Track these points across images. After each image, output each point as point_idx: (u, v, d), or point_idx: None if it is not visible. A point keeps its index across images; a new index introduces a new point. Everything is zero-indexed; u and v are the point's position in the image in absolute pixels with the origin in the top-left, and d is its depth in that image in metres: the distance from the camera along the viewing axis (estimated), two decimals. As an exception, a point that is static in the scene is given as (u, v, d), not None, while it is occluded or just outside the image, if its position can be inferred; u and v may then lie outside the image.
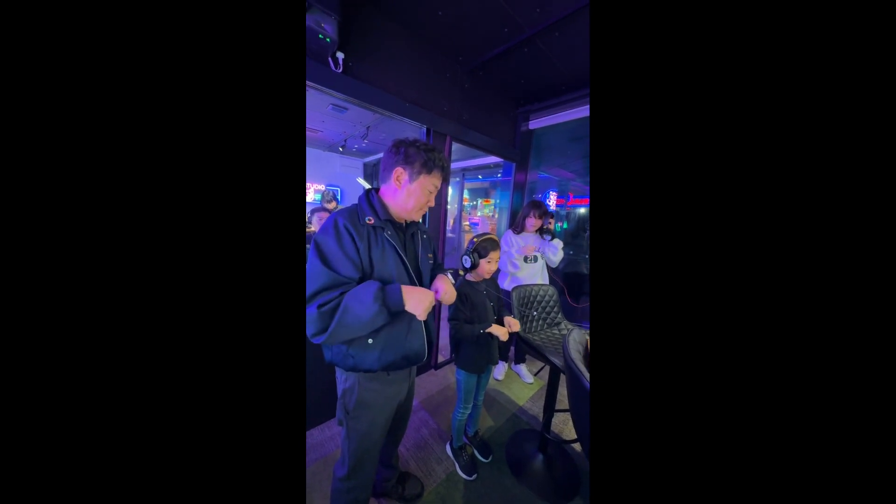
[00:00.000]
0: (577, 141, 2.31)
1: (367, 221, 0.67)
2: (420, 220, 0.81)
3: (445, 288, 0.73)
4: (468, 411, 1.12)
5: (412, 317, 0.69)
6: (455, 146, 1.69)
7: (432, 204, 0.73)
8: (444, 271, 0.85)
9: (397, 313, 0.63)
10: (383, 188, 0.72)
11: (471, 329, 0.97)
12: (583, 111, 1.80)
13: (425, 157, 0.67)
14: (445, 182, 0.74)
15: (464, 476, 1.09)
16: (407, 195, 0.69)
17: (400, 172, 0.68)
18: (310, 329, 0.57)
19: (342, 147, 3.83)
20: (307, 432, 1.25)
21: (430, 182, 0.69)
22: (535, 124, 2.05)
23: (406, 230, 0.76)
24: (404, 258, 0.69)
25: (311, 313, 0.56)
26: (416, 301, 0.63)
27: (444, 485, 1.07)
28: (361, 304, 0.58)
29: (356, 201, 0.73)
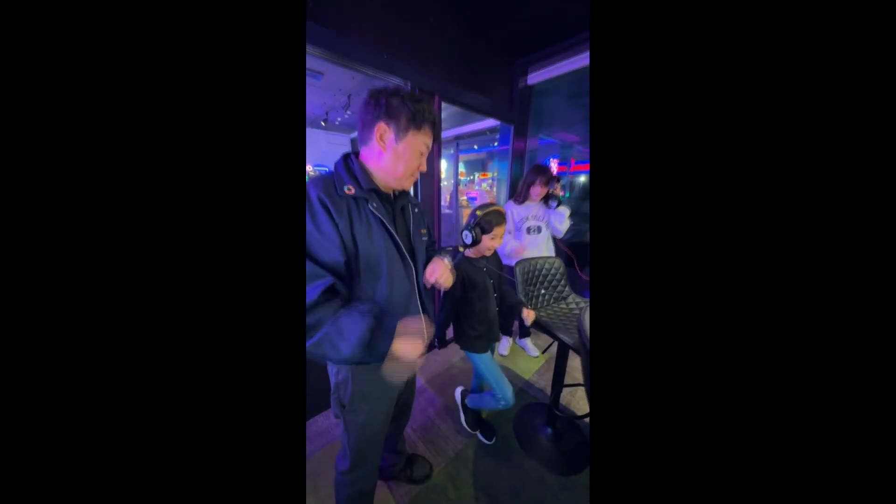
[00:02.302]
0: (580, 97, 2.09)
1: (347, 191, 0.54)
2: (410, 191, 0.70)
3: (441, 272, 0.65)
4: (507, 395, 0.92)
5: (408, 301, 0.61)
6: (446, 113, 1.51)
7: (423, 168, 0.61)
8: (437, 253, 0.74)
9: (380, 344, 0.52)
10: (364, 151, 0.59)
11: (477, 344, 0.97)
12: (586, 59, 1.58)
13: (412, 109, 0.54)
14: (436, 140, 0.62)
15: (485, 441, 1.13)
16: (394, 158, 0.56)
17: (383, 130, 0.55)
18: None
19: (324, 121, 3.54)
20: (312, 419, 1.23)
21: (421, 141, 0.57)
22: (533, 78, 1.83)
23: (395, 203, 0.65)
24: (395, 235, 0.59)
25: None
26: (408, 350, 0.53)
27: (452, 463, 1.06)
28: (344, 341, 0.48)
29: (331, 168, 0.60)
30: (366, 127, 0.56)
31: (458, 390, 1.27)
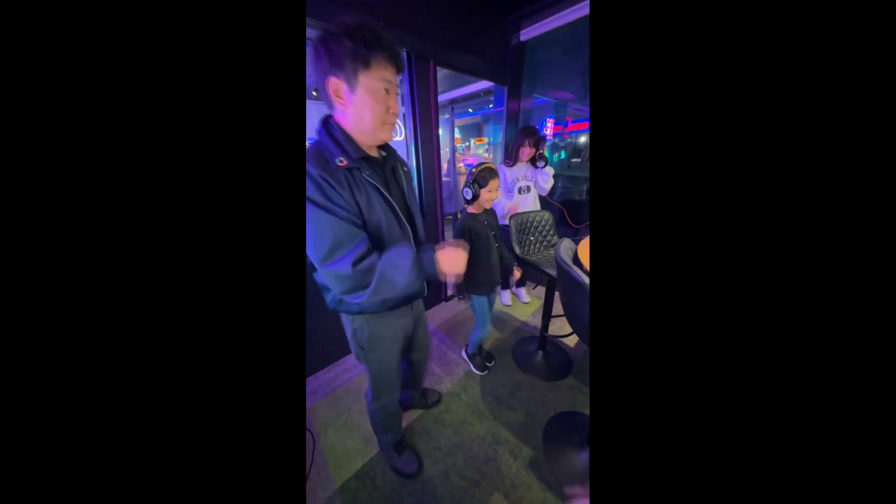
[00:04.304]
0: (574, 52, 2.07)
1: (339, 163, 0.52)
2: (396, 150, 0.69)
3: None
4: (486, 331, 1.25)
5: None
6: (439, 76, 1.55)
7: (396, 110, 0.54)
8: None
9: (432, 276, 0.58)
10: (336, 114, 0.54)
11: (480, 288, 1.10)
12: (582, 8, 1.57)
13: (350, 45, 0.44)
14: (399, 69, 0.51)
15: (478, 373, 1.36)
16: (357, 112, 0.51)
17: (336, 84, 0.48)
18: (344, 285, 0.52)
19: (315, 91, 3.41)
20: (343, 358, 1.49)
21: (376, 77, 0.48)
22: (526, 34, 1.82)
23: (384, 165, 0.63)
24: (391, 200, 0.59)
25: (345, 270, 0.50)
26: (451, 263, 0.57)
27: (464, 378, 1.33)
28: (398, 271, 0.52)
29: (315, 137, 0.55)
30: (321, 88, 0.49)
31: (463, 351, 1.47)
